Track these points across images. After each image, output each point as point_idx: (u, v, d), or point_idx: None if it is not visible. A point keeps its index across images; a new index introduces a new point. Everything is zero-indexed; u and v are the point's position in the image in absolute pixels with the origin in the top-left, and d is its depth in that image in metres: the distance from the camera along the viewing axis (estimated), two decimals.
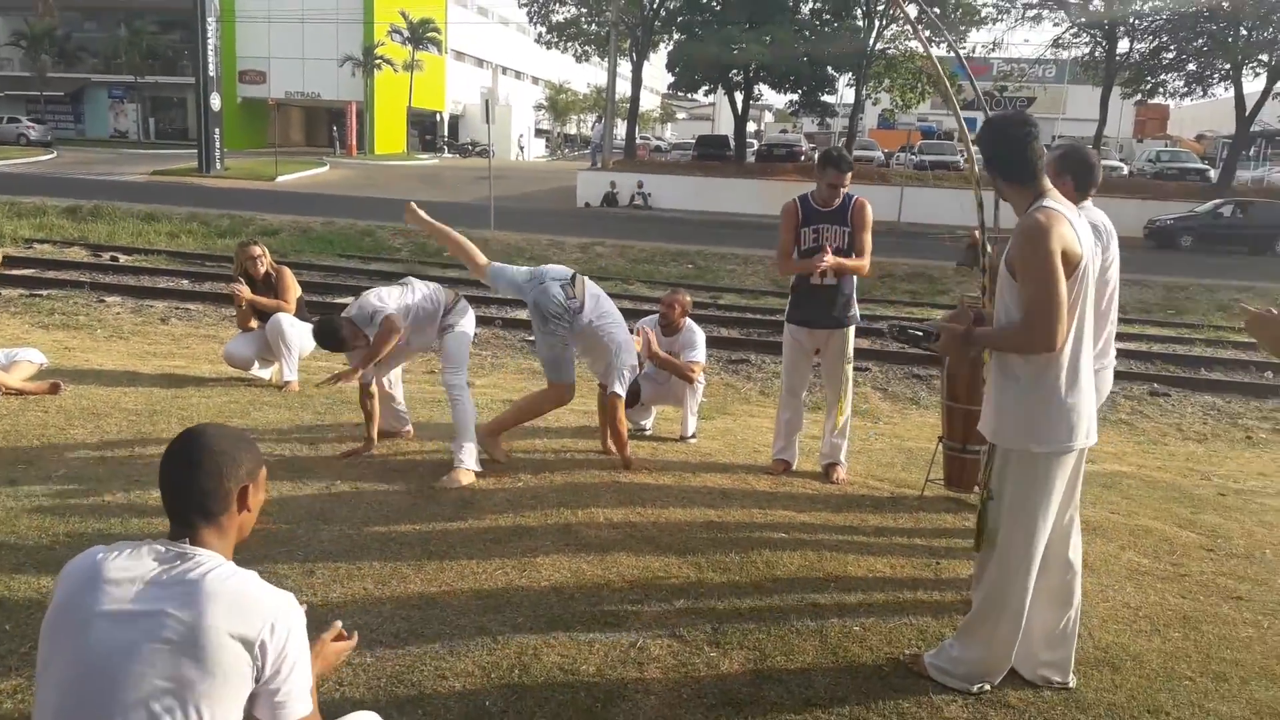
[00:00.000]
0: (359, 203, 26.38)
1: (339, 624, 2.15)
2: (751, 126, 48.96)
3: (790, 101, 41.04)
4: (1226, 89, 32.82)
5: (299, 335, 6.57)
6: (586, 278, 5.14)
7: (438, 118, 59.06)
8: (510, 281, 5.11)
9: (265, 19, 47.64)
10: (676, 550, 4.03)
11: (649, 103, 67.18)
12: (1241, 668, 3.31)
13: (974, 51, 37.54)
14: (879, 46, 34.31)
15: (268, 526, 3.92)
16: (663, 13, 36.56)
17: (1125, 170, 37.48)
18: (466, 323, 5.10)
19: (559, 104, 67.25)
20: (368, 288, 5.17)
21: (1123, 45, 33.25)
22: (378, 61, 48.51)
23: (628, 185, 31.73)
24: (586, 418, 6.02)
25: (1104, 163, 4.82)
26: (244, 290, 6.51)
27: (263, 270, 6.60)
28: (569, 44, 41.47)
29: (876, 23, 33.65)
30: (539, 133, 69.63)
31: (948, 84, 5.47)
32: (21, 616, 3.14)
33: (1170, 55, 32.45)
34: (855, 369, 5.33)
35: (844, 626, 3.44)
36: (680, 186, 32.23)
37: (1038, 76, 47.13)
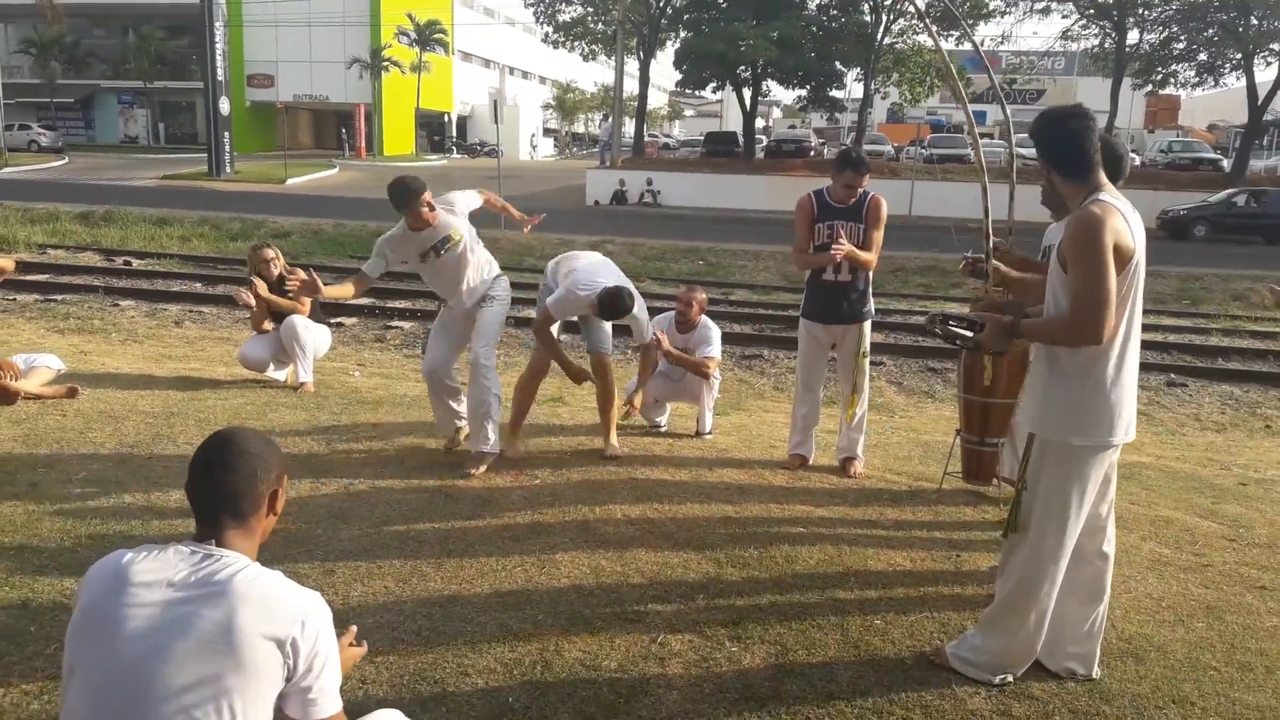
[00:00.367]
0: (369, 204, 26.40)
1: (354, 628, 2.16)
2: (760, 122, 48.91)
3: (798, 97, 40.99)
4: (1238, 78, 32.67)
5: (313, 337, 6.60)
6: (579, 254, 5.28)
7: (446, 118, 59.12)
8: (560, 301, 5.11)
9: (272, 23, 47.75)
10: (695, 546, 4.03)
11: (656, 100, 67.07)
12: (1267, 657, 3.29)
13: (982, 45, 37.42)
14: (886, 40, 34.23)
15: (287, 527, 3.94)
16: (669, 10, 36.54)
17: (1137, 161, 37.28)
18: (504, 299, 5.12)
19: (566, 103, 67.26)
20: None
21: (1133, 36, 33.12)
22: (385, 63, 48.59)
23: (637, 183, 31.71)
24: None
25: None
26: (260, 287, 6.53)
27: (276, 272, 6.61)
28: (576, 43, 41.49)
29: (884, 17, 33.57)
30: (547, 132, 69.68)
31: (957, 78, 5.44)
32: (46, 619, 3.16)
33: (1181, 45, 32.31)
34: (870, 363, 5.32)
35: (865, 620, 3.43)
36: (689, 183, 32.18)
37: (1047, 69, 46.95)
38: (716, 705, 2.87)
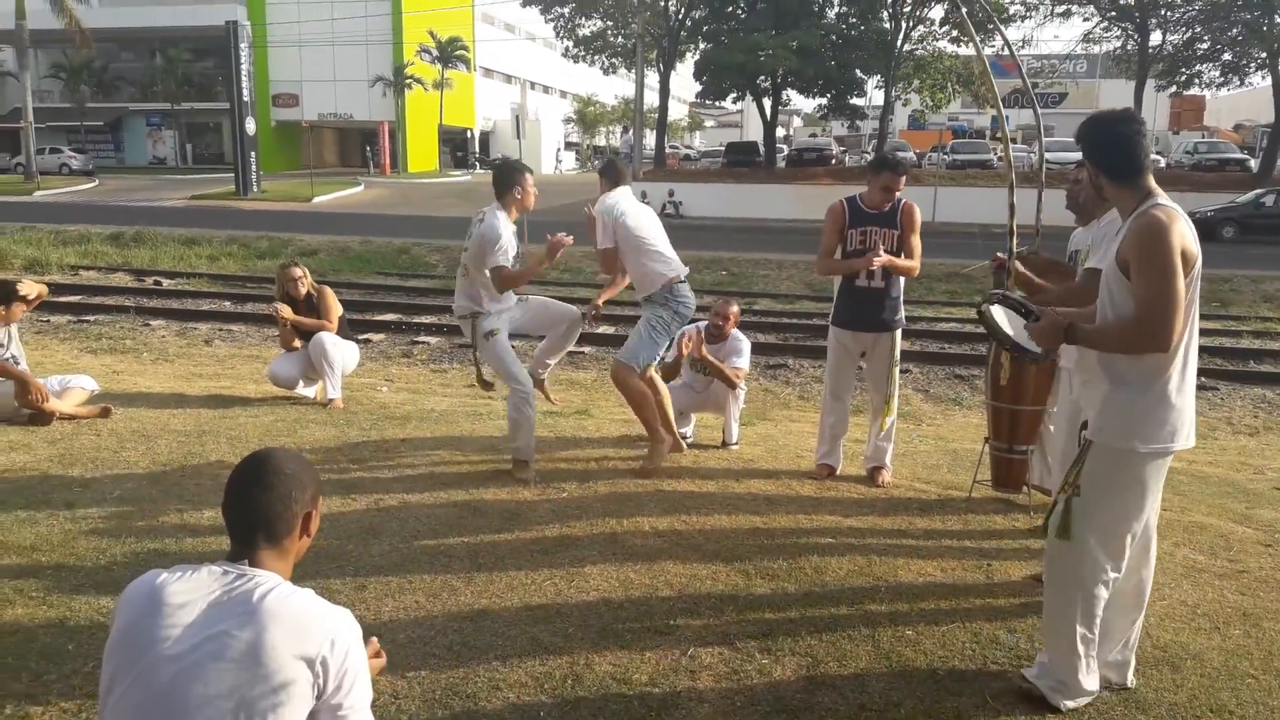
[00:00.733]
0: (395, 221, 26.68)
1: (375, 640, 2.18)
2: (780, 131, 48.91)
3: (819, 105, 40.97)
4: (1263, 78, 32.32)
5: (342, 353, 6.65)
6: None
7: (469, 134, 59.55)
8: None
9: (296, 43, 48.37)
10: (723, 558, 4.03)
11: (677, 112, 67.31)
12: None
13: (1003, 50, 37.26)
14: (906, 47, 34.17)
15: (318, 543, 3.96)
16: (688, 22, 36.67)
17: (1162, 163, 36.96)
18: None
19: (587, 116, 67.57)
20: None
21: (1155, 37, 32.88)
22: (408, 81, 49.09)
23: (659, 194, 31.79)
24: (627, 426, 6.03)
25: None
26: (286, 311, 6.60)
27: (304, 291, 6.67)
28: (596, 57, 41.72)
29: (904, 24, 33.51)
30: (568, 145, 70.01)
31: (993, 81, 5.42)
32: (83, 637, 3.20)
33: (1204, 46, 32.03)
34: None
35: (896, 631, 3.41)
36: (711, 194, 32.26)
37: (1069, 72, 46.65)
38: (748, 718, 2.86)
